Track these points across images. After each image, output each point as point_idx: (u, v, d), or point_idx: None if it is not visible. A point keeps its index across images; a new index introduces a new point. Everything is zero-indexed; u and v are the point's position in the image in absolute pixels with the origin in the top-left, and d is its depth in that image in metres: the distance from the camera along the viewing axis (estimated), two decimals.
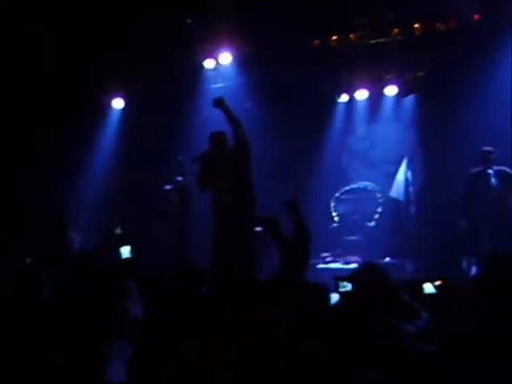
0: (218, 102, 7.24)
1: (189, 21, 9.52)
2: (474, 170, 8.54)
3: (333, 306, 3.42)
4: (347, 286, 3.50)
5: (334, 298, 3.79)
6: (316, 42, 9.92)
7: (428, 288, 3.92)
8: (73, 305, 4.31)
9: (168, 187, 9.28)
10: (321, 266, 9.47)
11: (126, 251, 5.91)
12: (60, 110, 10.17)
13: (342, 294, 3.47)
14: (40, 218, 9.48)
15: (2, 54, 9.27)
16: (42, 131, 10.11)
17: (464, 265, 8.36)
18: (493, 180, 8.39)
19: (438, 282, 3.92)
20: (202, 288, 4.88)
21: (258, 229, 8.11)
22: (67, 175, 10.37)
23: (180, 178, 9.12)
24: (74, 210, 10.11)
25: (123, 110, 11.01)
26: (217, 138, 7.24)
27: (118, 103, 10.88)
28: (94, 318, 3.99)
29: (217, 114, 10.04)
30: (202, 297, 4.42)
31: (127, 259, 6.30)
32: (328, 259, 9.67)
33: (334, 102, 10.59)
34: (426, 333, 3.14)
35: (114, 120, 11.12)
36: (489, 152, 8.45)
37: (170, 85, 10.50)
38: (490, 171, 8.41)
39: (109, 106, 10.93)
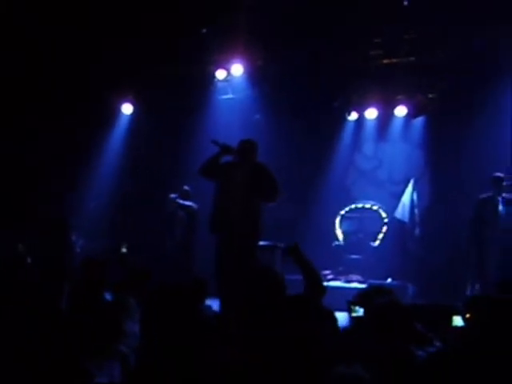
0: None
1: (204, 31, 9.51)
2: (483, 195, 8.47)
3: (344, 329, 3.38)
4: (359, 311, 3.45)
5: (340, 317, 3.74)
6: (329, 57, 9.88)
7: (457, 320, 3.84)
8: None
9: (173, 195, 9.26)
10: None
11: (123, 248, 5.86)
12: (70, 113, 10.19)
13: (355, 319, 3.42)
14: (43, 218, 9.46)
15: (14, 57, 9.28)
16: (51, 134, 10.11)
17: (468, 291, 8.29)
18: (501, 207, 8.32)
19: (467, 315, 3.86)
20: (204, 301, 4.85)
21: (263, 243, 8.06)
22: (74, 179, 10.34)
23: (189, 203, 9.12)
24: (78, 214, 10.08)
25: (132, 115, 11.00)
26: (247, 144, 6.74)
27: (127, 108, 10.88)
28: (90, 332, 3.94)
29: (227, 124, 10.13)
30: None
31: (124, 253, 6.26)
32: (329, 277, 9.61)
33: (344, 119, 10.57)
34: (437, 359, 3.09)
35: (122, 125, 11.11)
36: (500, 178, 8.38)
37: (181, 92, 10.49)
38: (499, 198, 8.34)
39: (118, 110, 10.92)
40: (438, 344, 3.20)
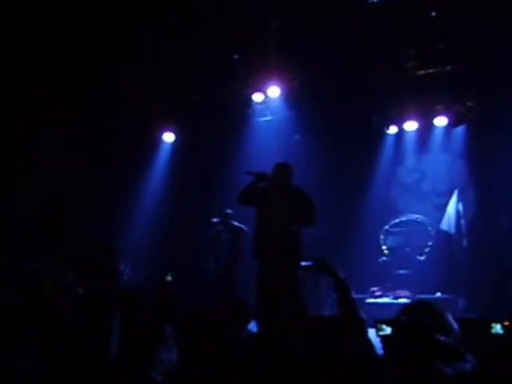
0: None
1: (236, 56, 9.64)
2: None
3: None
4: (386, 330, 3.42)
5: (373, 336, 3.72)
6: (364, 72, 9.85)
7: (496, 328, 3.77)
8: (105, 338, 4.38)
9: (215, 220, 9.34)
10: (370, 300, 9.31)
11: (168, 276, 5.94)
12: (112, 144, 10.46)
13: (382, 338, 3.39)
14: (94, 250, 9.67)
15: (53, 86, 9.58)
16: (95, 164, 10.39)
17: None
18: None
19: (506, 323, 3.79)
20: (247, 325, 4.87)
21: (306, 263, 8.05)
22: (120, 207, 10.58)
23: (236, 224, 9.17)
24: (126, 243, 10.29)
25: (174, 143, 11.20)
26: (283, 167, 6.83)
27: (168, 137, 11.10)
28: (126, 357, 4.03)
29: (266, 146, 10.22)
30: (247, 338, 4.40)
31: (169, 282, 6.35)
32: (377, 293, 9.50)
33: (383, 134, 10.52)
34: (466, 376, 3.04)
35: (165, 154, 11.33)
36: None
37: (219, 118, 10.65)
38: None
39: (160, 139, 11.15)
40: (470, 358, 3.14)
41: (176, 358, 4.10)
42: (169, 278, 8.10)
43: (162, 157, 11.32)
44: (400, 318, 3.30)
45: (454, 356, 3.17)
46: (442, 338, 3.06)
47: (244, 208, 7.21)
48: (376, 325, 3.60)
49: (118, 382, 3.82)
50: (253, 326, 4.75)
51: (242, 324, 4.64)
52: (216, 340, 4.01)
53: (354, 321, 3.78)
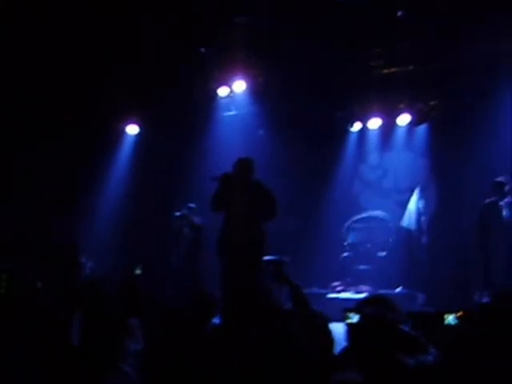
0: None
1: (202, 50, 9.59)
2: (487, 200, 8.45)
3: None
4: (353, 318, 3.48)
5: (337, 327, 3.76)
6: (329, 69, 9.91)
7: (449, 319, 3.88)
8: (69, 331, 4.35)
9: (178, 214, 9.33)
10: (331, 295, 9.40)
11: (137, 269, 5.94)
12: (74, 136, 10.31)
13: (348, 326, 3.45)
14: (52, 243, 9.56)
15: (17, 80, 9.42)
16: (56, 156, 10.23)
17: (476, 297, 8.24)
18: (505, 211, 8.28)
19: (459, 314, 3.89)
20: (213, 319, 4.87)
21: (268, 258, 8.11)
22: (80, 200, 10.45)
23: (196, 220, 9.19)
24: (87, 236, 10.18)
25: (137, 135, 11.10)
26: (243, 163, 6.97)
27: (132, 129, 10.99)
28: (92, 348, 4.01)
29: (230, 141, 10.22)
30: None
31: (138, 275, 6.35)
32: (338, 288, 9.60)
33: (347, 131, 10.60)
34: (427, 367, 3.11)
35: (128, 146, 11.22)
36: (501, 183, 8.34)
37: (184, 111, 10.59)
38: (502, 203, 8.31)
39: (123, 131, 11.03)
40: (431, 350, 3.21)
41: (142, 350, 4.09)
42: (138, 272, 8.09)
43: (125, 149, 11.19)
44: (363, 309, 3.35)
45: (416, 348, 3.24)
46: (406, 328, 3.12)
47: (207, 199, 7.22)
48: (344, 313, 3.68)
49: (85, 373, 3.78)
50: (217, 320, 4.76)
51: (207, 317, 4.64)
52: (182, 333, 4.00)
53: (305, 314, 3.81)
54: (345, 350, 3.40)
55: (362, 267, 10.06)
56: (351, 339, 3.33)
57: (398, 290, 9.15)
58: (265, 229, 7.03)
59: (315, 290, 9.73)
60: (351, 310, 3.74)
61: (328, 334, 3.40)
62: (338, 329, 3.71)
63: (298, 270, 9.44)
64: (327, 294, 9.41)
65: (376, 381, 2.89)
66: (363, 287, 9.49)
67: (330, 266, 10.03)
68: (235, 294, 6.62)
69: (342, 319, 4.20)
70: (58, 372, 4.03)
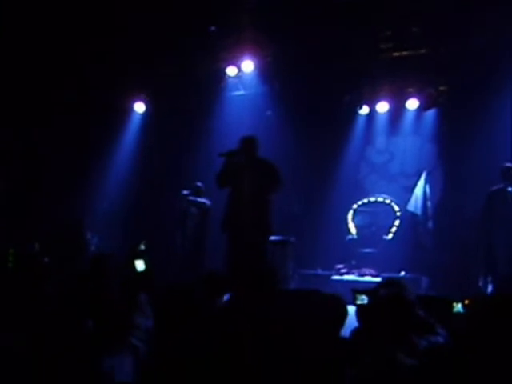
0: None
1: (212, 28, 9.53)
2: (494, 187, 8.43)
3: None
4: (364, 299, 3.49)
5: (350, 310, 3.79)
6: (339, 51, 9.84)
7: (457, 307, 3.89)
8: (78, 306, 4.36)
9: (185, 192, 9.33)
10: (335, 277, 9.45)
11: (140, 265, 5.98)
12: (81, 113, 10.30)
13: (359, 307, 3.47)
14: (59, 218, 9.60)
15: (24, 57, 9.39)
16: (64, 134, 10.23)
17: (480, 283, 8.26)
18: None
19: (466, 302, 3.91)
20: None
21: (274, 238, 8.15)
22: (88, 177, 10.46)
23: (202, 200, 9.20)
24: (93, 212, 10.21)
25: (144, 113, 11.08)
26: (248, 141, 7.03)
27: (139, 107, 10.97)
28: (99, 325, 4.03)
29: (238, 121, 10.19)
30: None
31: (141, 272, 6.38)
32: (343, 271, 9.64)
33: (355, 114, 10.57)
34: (439, 348, 3.13)
35: (135, 123, 11.21)
36: (509, 169, 8.32)
37: (192, 90, 10.55)
38: (510, 189, 8.28)
39: (130, 109, 11.01)
40: (440, 331, 3.23)
41: (152, 326, 4.11)
42: (142, 247, 8.11)
43: (132, 127, 11.18)
44: (378, 290, 3.37)
45: (426, 329, 3.27)
46: (421, 312, 3.14)
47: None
48: (353, 294, 3.69)
49: (96, 349, 3.81)
50: (227, 298, 4.78)
51: (217, 295, 4.66)
52: (192, 309, 4.02)
53: None
54: (356, 332, 3.42)
55: (366, 250, 10.10)
56: (362, 321, 3.35)
57: (402, 273, 9.18)
58: (271, 207, 7.05)
59: (320, 271, 9.81)
60: (361, 292, 3.76)
61: (342, 312, 3.42)
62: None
63: (302, 251, 9.61)
64: (331, 275, 9.46)
65: (389, 361, 2.91)
66: (367, 270, 9.53)
67: (334, 248, 10.05)
68: (241, 272, 6.65)
69: (350, 301, 4.22)
70: (68, 347, 4.06)
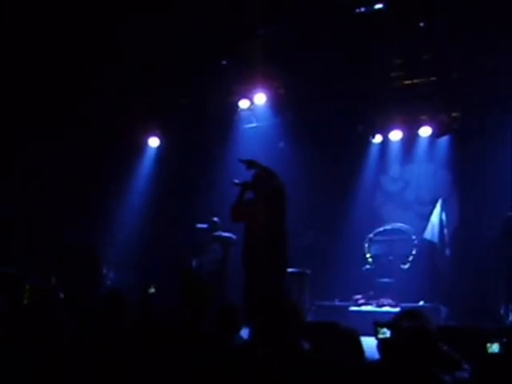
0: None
1: (224, 62, 9.61)
2: (510, 213, 8.36)
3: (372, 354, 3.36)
4: (386, 333, 3.42)
5: (368, 342, 3.72)
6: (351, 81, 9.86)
7: (493, 347, 3.71)
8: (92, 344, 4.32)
9: (200, 226, 9.31)
10: (353, 308, 9.33)
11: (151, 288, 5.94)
12: (98, 147, 10.37)
13: (381, 341, 3.40)
14: (76, 254, 9.60)
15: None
16: (80, 168, 10.29)
17: (502, 311, 8.13)
18: None
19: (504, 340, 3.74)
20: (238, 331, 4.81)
21: (291, 270, 8.08)
22: (103, 211, 10.50)
23: (229, 235, 9.13)
24: (109, 246, 10.21)
25: (159, 148, 11.15)
26: (257, 174, 6.95)
27: (153, 141, 11.05)
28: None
29: (251, 153, 10.19)
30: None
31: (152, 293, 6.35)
32: (360, 302, 9.52)
33: (368, 143, 10.57)
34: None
35: (149, 158, 11.28)
36: None
37: (205, 123, 10.63)
38: None
39: (145, 144, 11.09)
40: (466, 367, 3.16)
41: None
42: (152, 290, 8.08)
43: (147, 161, 11.25)
44: (400, 323, 3.31)
45: (451, 364, 3.19)
46: (445, 347, 3.07)
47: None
48: (375, 327, 3.60)
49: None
50: (244, 333, 4.71)
51: (233, 331, 4.59)
52: (208, 351, 3.95)
53: None
54: (376, 364, 3.35)
55: (384, 280, 9.98)
56: (384, 354, 3.29)
57: (421, 303, 9.06)
58: (287, 240, 6.96)
59: (337, 302, 9.69)
60: (382, 325, 3.68)
61: (359, 346, 3.35)
62: (366, 343, 3.66)
63: (319, 282, 9.52)
64: (349, 306, 9.35)
65: None
66: (385, 300, 9.41)
67: (351, 279, 9.97)
68: (261, 304, 6.57)
69: (369, 332, 4.15)
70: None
